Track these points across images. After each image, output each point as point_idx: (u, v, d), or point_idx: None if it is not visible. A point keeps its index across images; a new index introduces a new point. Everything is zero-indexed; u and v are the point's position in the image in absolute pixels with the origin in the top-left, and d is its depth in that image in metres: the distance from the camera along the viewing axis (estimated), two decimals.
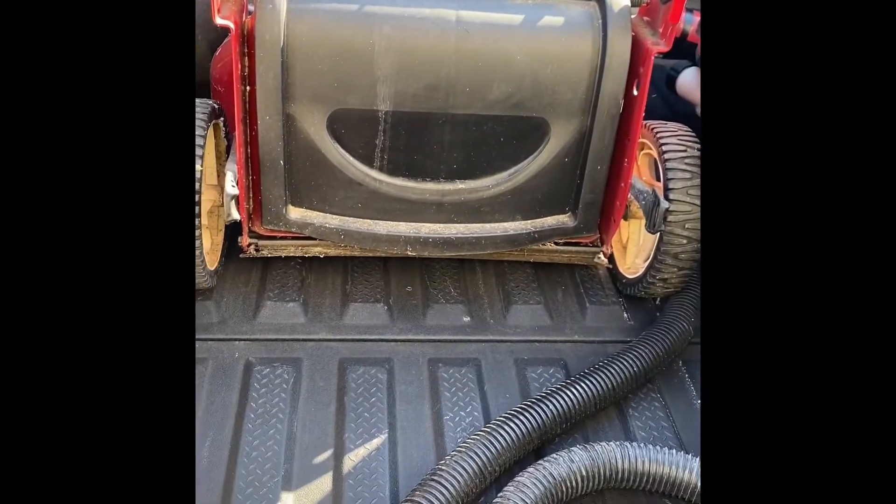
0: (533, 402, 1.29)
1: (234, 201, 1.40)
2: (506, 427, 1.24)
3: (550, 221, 1.59)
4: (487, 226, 1.56)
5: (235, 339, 1.49)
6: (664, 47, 1.39)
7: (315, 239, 1.59)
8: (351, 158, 1.47)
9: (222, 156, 1.57)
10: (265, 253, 1.61)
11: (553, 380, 1.46)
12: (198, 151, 1.33)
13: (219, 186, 1.54)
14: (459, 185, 1.53)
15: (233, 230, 1.71)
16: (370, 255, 1.68)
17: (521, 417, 1.26)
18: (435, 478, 1.14)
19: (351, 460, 1.27)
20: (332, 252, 1.65)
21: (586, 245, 1.68)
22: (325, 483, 1.23)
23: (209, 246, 1.55)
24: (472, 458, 1.18)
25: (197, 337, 1.47)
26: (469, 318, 1.61)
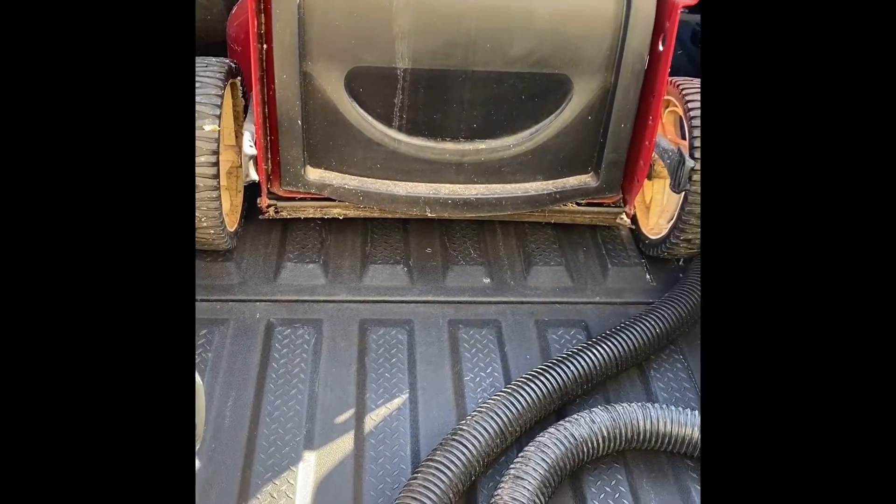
0: (554, 364, 1.29)
1: (252, 162, 1.39)
2: (527, 388, 1.24)
3: (572, 181, 1.56)
4: (508, 186, 1.54)
5: (256, 301, 1.50)
6: (691, 1, 1.34)
7: (334, 200, 1.58)
8: (369, 118, 1.44)
9: (240, 116, 1.55)
10: (284, 214, 1.61)
11: (574, 341, 1.46)
12: (215, 111, 1.32)
13: (237, 147, 1.52)
14: (479, 144, 1.50)
15: (252, 191, 1.71)
16: (389, 216, 1.67)
17: (542, 378, 1.25)
18: (456, 438, 1.15)
19: (372, 420, 1.28)
20: (352, 213, 1.64)
21: (609, 205, 1.65)
22: (346, 442, 1.25)
23: (228, 207, 1.55)
24: (492, 418, 1.18)
25: (218, 298, 1.48)
26: (489, 280, 1.60)
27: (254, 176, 1.36)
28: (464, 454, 1.12)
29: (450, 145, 1.49)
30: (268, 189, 1.53)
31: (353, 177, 1.52)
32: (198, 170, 1.32)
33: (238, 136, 1.53)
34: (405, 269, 1.61)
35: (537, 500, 1.08)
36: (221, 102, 1.34)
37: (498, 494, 1.09)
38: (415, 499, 1.05)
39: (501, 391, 1.25)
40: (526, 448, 1.16)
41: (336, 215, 1.64)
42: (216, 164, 1.33)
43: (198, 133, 1.30)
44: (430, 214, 1.55)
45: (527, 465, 1.11)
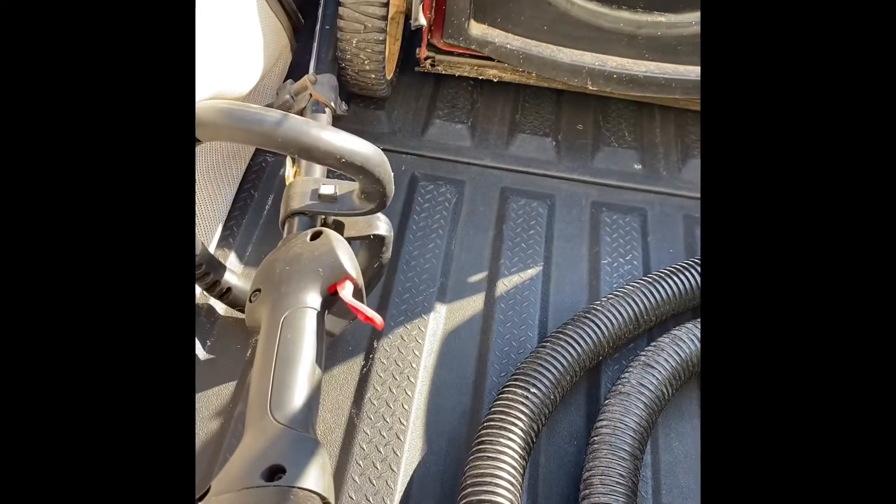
0: (699, 262, 1.23)
1: (421, 6, 1.35)
2: (668, 280, 1.19)
3: None
4: (681, 67, 1.42)
5: (403, 153, 1.50)
6: None
7: (492, 60, 1.52)
8: None
9: None
10: (440, 69, 1.57)
11: None
12: None
13: None
14: (658, 17, 1.38)
15: (409, 41, 1.68)
16: (545, 85, 1.59)
17: (686, 273, 1.20)
18: (589, 316, 1.14)
19: (504, 285, 1.29)
20: (507, 77, 1.58)
21: None
22: (476, 301, 1.27)
23: (387, 54, 1.53)
24: (629, 303, 1.15)
25: None
26: (640, 167, 1.53)
27: (422, 20, 1.32)
28: (595, 333, 1.11)
29: (626, 14, 1.38)
30: (427, 40, 1.50)
31: (516, 37, 1.44)
32: (367, 9, 1.29)
33: None
34: (553, 142, 1.56)
35: (665, 391, 1.07)
36: None
37: (625, 378, 1.08)
38: (542, 366, 1.07)
39: (641, 279, 1.21)
40: (660, 338, 1.13)
41: (491, 77, 1.58)
42: (386, 4, 1.30)
43: None
44: (590, 87, 1.46)
45: (658, 355, 1.10)
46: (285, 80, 1.32)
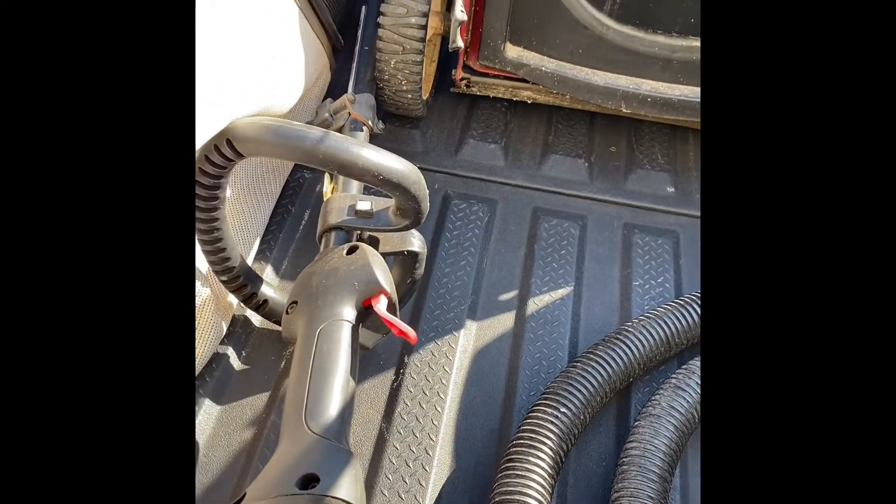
0: None
1: (459, 28, 1.37)
2: (699, 304, 1.19)
3: None
4: None
5: (437, 171, 1.52)
6: None
7: (526, 82, 1.54)
8: None
9: None
10: (475, 90, 1.60)
11: None
12: None
13: (441, 13, 1.51)
14: (693, 41, 1.39)
15: (444, 63, 1.71)
16: (578, 107, 1.61)
17: None
18: (620, 336, 1.14)
19: (534, 304, 1.30)
20: (541, 98, 1.60)
21: None
22: (507, 319, 1.27)
23: (424, 74, 1.56)
24: (661, 325, 1.15)
25: None
26: (673, 189, 1.53)
27: (460, 42, 1.35)
28: (626, 354, 1.12)
29: (661, 38, 1.39)
30: (463, 62, 1.52)
31: (551, 59, 1.47)
32: (406, 31, 1.32)
33: (443, 1, 1.51)
34: (586, 164, 1.57)
35: (695, 414, 1.06)
36: None
37: (656, 400, 1.08)
38: (572, 385, 1.07)
39: (673, 301, 1.21)
40: (690, 362, 1.13)
41: (525, 98, 1.60)
42: (424, 27, 1.33)
43: None
44: (625, 110, 1.47)
45: (689, 378, 1.09)
46: (324, 99, 1.35)
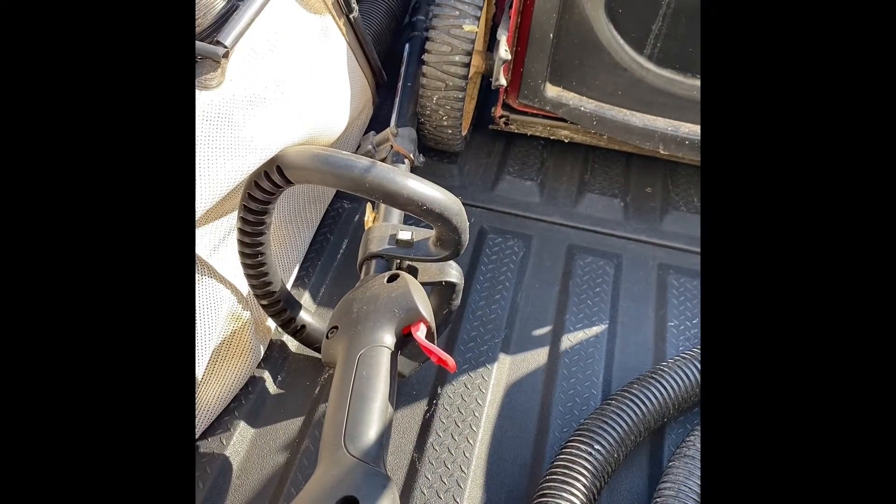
0: None
1: (502, 67, 1.41)
2: None
3: None
4: None
5: (473, 206, 1.54)
6: None
7: (565, 121, 1.56)
8: (621, 41, 1.39)
9: (488, 23, 1.57)
10: (513, 128, 1.62)
11: None
12: (476, 12, 1.34)
13: (483, 53, 1.55)
14: None
15: (483, 100, 1.74)
16: (615, 147, 1.63)
17: None
18: (655, 376, 1.13)
19: (569, 341, 1.30)
20: (578, 138, 1.62)
21: None
22: (540, 355, 1.27)
23: (464, 111, 1.59)
24: (696, 367, 1.15)
25: None
26: None
27: (503, 80, 1.38)
28: (661, 394, 1.11)
29: (699, 82, 1.41)
30: (503, 100, 1.55)
31: (590, 100, 1.49)
32: (450, 68, 1.36)
33: (485, 41, 1.55)
34: (622, 203, 1.58)
35: None
36: (483, 4, 1.36)
37: (690, 440, 1.07)
38: (606, 423, 1.06)
39: None
40: None
41: (562, 137, 1.63)
42: (468, 65, 1.36)
43: (456, 31, 1.33)
44: (662, 152, 1.49)
45: None
46: (366, 132, 1.38)
